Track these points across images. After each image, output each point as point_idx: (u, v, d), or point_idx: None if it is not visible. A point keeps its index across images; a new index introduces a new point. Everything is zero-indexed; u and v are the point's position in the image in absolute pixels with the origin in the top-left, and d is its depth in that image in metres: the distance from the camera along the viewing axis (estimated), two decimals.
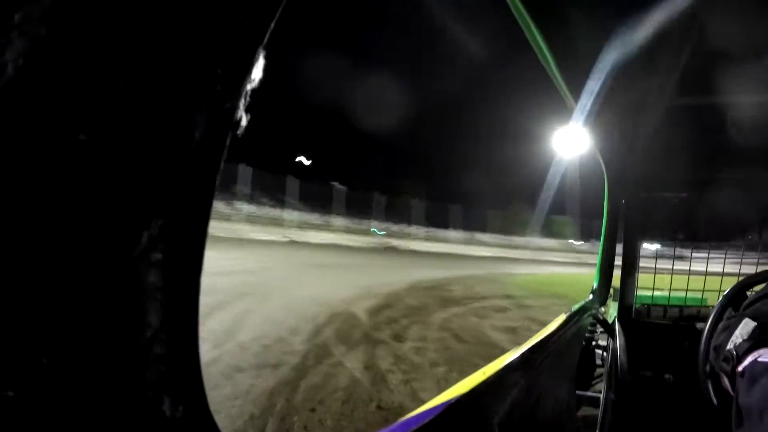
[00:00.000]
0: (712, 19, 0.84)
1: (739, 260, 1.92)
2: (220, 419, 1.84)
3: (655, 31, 0.87)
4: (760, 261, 2.02)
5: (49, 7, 0.15)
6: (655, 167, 1.76)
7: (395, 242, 30.75)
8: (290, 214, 27.79)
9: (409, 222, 36.44)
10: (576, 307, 1.51)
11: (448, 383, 3.39)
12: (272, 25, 0.22)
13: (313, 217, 30.01)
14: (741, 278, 1.15)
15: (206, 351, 3.45)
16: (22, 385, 0.15)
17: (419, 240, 33.53)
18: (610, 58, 0.96)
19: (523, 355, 0.85)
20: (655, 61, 1.00)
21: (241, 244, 14.95)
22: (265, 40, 0.22)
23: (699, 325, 1.75)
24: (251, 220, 25.04)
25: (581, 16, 0.82)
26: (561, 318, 1.26)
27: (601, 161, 1.70)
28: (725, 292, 1.10)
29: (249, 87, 0.22)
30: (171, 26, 0.18)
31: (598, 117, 1.27)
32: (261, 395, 2.80)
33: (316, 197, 35.57)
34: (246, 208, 25.86)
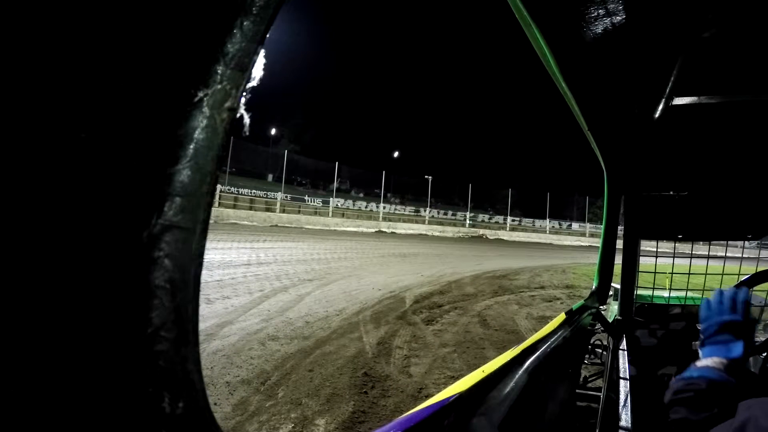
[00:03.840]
0: (713, 18, 0.84)
1: (739, 259, 1.87)
2: (240, 373, 2.74)
3: (656, 30, 0.88)
4: (760, 260, 1.91)
5: (51, 6, 0.16)
6: (656, 165, 1.76)
7: (484, 231, 30.07)
8: (382, 207, 29.19)
9: (500, 211, 34.98)
10: (576, 306, 1.53)
11: (444, 361, 3.66)
12: (271, 25, 0.22)
13: (404, 209, 30.98)
14: (741, 277, 1.26)
15: (254, 324, 4.32)
16: (23, 382, 0.15)
17: (510, 229, 32.11)
18: (610, 56, 0.98)
19: (523, 353, 0.87)
20: (655, 60, 1.02)
21: (329, 237, 16.36)
22: (264, 40, 0.22)
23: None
24: (344, 213, 27.14)
25: (581, 14, 0.82)
26: (561, 317, 1.28)
27: (601, 159, 1.74)
28: None
29: (248, 85, 0.22)
30: (171, 26, 0.18)
31: (598, 115, 1.34)
32: (279, 358, 3.49)
33: (409, 190, 36.64)
34: (340, 202, 28.08)
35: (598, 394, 1.50)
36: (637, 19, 0.84)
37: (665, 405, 0.82)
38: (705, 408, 0.73)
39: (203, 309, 4.62)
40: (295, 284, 6.45)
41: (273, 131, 42.71)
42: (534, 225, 34.23)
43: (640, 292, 1.94)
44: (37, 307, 0.16)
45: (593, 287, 1.94)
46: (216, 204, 18.48)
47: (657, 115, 1.29)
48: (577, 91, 1.13)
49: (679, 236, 1.82)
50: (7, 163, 0.15)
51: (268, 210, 23.24)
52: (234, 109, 0.21)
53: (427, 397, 0.66)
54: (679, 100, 1.20)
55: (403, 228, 26.43)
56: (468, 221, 31.57)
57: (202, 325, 4.05)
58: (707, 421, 0.70)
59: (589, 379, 1.94)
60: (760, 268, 1.28)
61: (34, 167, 0.16)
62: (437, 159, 62.73)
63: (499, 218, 33.54)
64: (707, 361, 0.80)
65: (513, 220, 33.50)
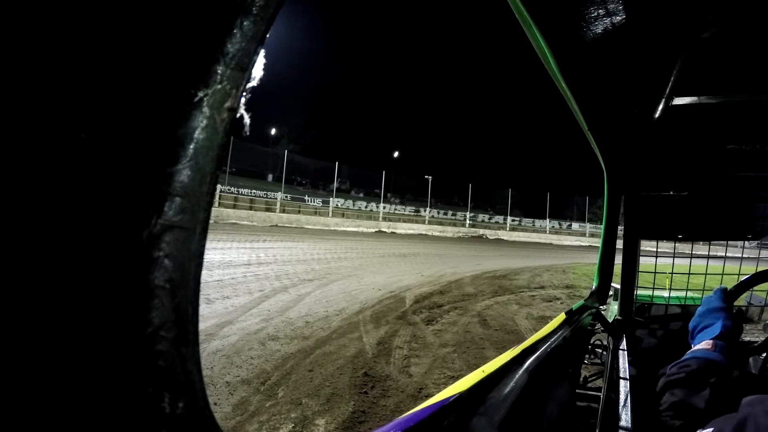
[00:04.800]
0: (713, 18, 0.84)
1: (739, 259, 1.88)
2: (240, 373, 2.73)
3: (656, 30, 0.88)
4: (760, 260, 1.92)
5: (51, 6, 0.16)
6: (656, 165, 1.76)
7: (484, 231, 30.13)
8: (382, 207, 29.19)
9: (500, 211, 35.03)
10: (576, 306, 1.53)
11: (444, 362, 3.65)
12: (271, 25, 0.22)
13: (404, 209, 30.99)
14: (741, 277, 1.25)
15: (255, 324, 4.32)
16: (23, 382, 0.15)
17: (509, 229, 32.18)
18: (610, 56, 0.98)
19: (523, 353, 0.87)
20: (655, 60, 1.02)
21: (329, 237, 16.36)
22: (264, 40, 0.22)
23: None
24: (344, 213, 27.15)
25: (581, 14, 0.82)
26: (561, 317, 1.28)
27: (601, 159, 1.74)
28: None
29: (248, 85, 0.22)
30: (171, 26, 0.18)
31: (598, 115, 1.34)
32: (279, 358, 3.49)
33: (409, 190, 36.65)
34: (340, 202, 28.09)
35: (598, 394, 1.50)
36: (637, 19, 0.84)
37: (658, 392, 0.84)
38: (698, 387, 0.77)
39: (203, 309, 4.62)
40: (295, 284, 6.45)
41: (273, 131, 42.74)
42: (534, 225, 34.25)
43: (640, 292, 1.94)
44: (37, 307, 0.16)
45: (593, 287, 1.93)
46: (216, 204, 18.48)
47: (657, 115, 1.30)
48: (577, 91, 1.13)
49: (679, 236, 1.83)
50: (6, 163, 0.15)
51: (268, 210, 23.24)
52: (234, 109, 0.21)
53: (427, 397, 0.66)
54: (679, 100, 1.20)
55: (403, 228, 26.44)
56: (468, 221, 31.58)
57: (202, 325, 4.05)
58: (706, 407, 0.73)
59: (589, 379, 1.94)
60: (760, 268, 1.29)
61: (34, 167, 0.16)
62: (437, 159, 62.85)
63: (499, 218, 33.56)
64: (696, 346, 0.87)
65: (513, 220, 33.53)
